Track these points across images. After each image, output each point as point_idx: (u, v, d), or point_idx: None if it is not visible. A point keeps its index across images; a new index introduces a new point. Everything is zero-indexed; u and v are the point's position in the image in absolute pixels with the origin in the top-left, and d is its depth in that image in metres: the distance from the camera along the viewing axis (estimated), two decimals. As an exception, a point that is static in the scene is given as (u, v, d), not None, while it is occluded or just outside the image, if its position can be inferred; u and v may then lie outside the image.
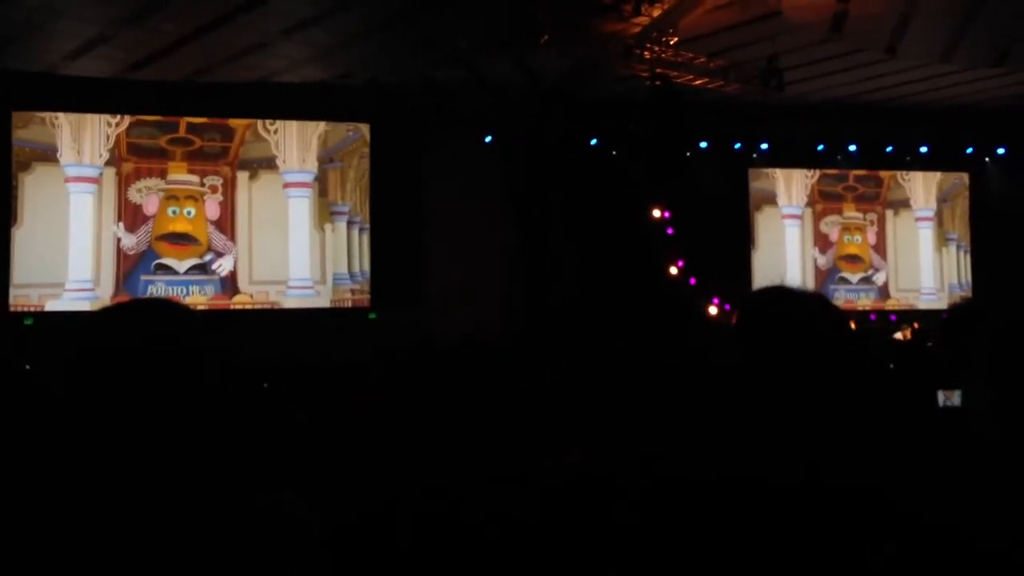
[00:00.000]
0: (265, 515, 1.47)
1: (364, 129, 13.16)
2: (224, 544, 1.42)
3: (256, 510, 1.47)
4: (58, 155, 11.99)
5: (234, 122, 12.67)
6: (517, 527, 1.70)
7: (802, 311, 1.69)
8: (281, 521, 1.49)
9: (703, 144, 14.20)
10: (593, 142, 13.94)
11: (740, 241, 14.54)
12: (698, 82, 11.10)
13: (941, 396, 2.14)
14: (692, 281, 12.86)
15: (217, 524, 1.43)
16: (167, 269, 12.29)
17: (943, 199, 15.57)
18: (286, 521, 1.49)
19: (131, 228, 12.22)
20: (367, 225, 13.06)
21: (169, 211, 12.37)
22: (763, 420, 1.62)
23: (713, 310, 12.77)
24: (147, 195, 12.31)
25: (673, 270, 12.79)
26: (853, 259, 15.22)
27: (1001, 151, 15.41)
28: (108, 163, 12.19)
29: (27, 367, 6.98)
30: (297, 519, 1.51)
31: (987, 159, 15.50)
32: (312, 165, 12.93)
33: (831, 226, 15.19)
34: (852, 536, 1.53)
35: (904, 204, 15.47)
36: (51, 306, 11.71)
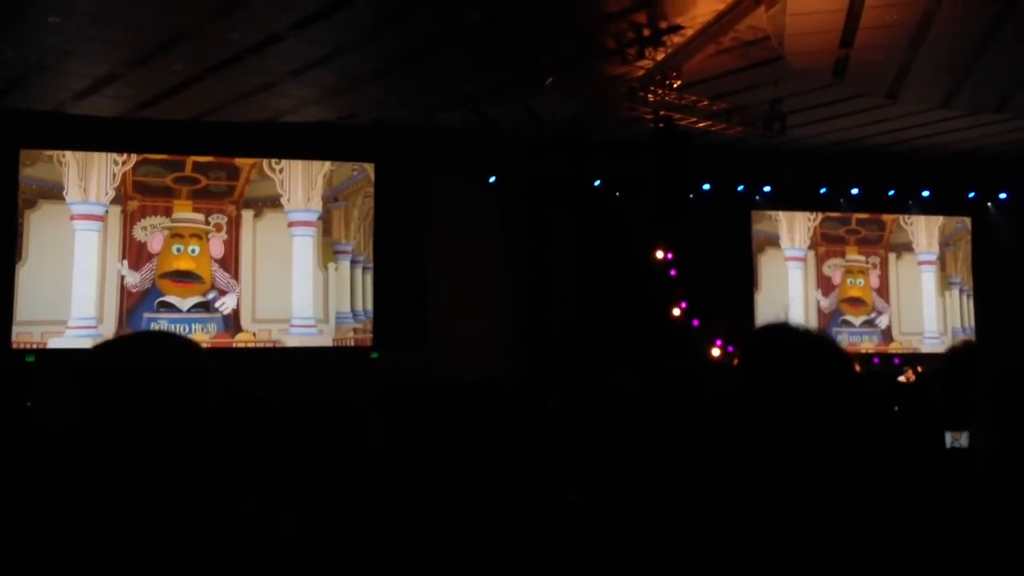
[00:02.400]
0: (255, 527, 1.48)
1: (369, 169, 13.25)
2: (215, 553, 1.43)
3: (247, 522, 1.48)
4: (64, 193, 12.06)
5: (240, 161, 12.77)
6: (518, 550, 1.69)
7: (806, 347, 1.69)
8: (271, 533, 1.49)
9: (706, 186, 14.27)
10: (596, 183, 14.02)
11: (743, 283, 14.55)
12: (701, 125, 11.18)
13: (949, 437, 2.14)
14: (695, 323, 12.85)
15: (209, 536, 1.44)
16: (170, 307, 12.31)
17: (945, 243, 15.61)
18: (276, 533, 1.49)
19: (135, 266, 12.26)
20: (370, 264, 13.09)
21: (173, 249, 12.42)
22: (767, 452, 1.62)
23: (716, 351, 12.75)
24: (152, 233, 12.37)
25: (676, 311, 12.79)
26: (856, 302, 15.22)
27: (1003, 196, 15.48)
28: (114, 201, 12.26)
29: (28, 404, 6.97)
30: (287, 532, 1.51)
31: (989, 204, 15.57)
32: (317, 204, 13.00)
33: (834, 269, 15.21)
34: (855, 567, 1.52)
35: (907, 248, 15.51)
36: (53, 343, 11.71)
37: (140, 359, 1.56)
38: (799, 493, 1.56)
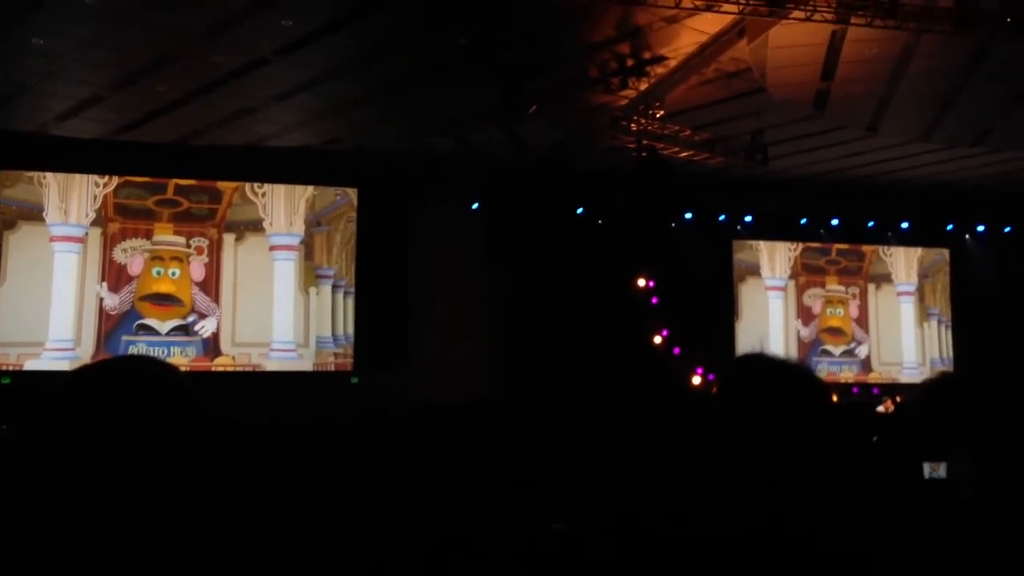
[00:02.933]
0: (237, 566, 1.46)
1: (352, 193, 13.24)
2: None
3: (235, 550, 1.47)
4: (44, 214, 11.98)
5: (222, 184, 12.73)
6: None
7: (782, 378, 1.70)
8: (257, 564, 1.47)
9: (688, 215, 14.35)
10: (579, 211, 14.07)
11: (724, 312, 14.60)
12: (684, 154, 11.26)
13: (927, 468, 2.15)
14: (676, 351, 12.87)
15: (197, 566, 1.42)
16: (149, 330, 12.21)
17: (924, 274, 15.74)
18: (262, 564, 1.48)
19: (114, 288, 12.17)
20: (352, 289, 13.06)
21: (154, 271, 12.35)
22: (746, 484, 1.62)
23: (697, 380, 12.76)
24: (132, 255, 12.29)
25: (657, 339, 12.81)
26: (836, 332, 15.29)
27: (981, 228, 15.64)
28: (94, 223, 12.19)
29: (3, 426, 6.88)
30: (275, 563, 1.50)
31: (967, 236, 15.73)
32: (299, 228, 12.97)
33: (814, 299, 15.29)
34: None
35: (886, 279, 15.62)
36: (30, 365, 11.59)
37: (120, 384, 1.55)
38: (778, 543, 1.56)
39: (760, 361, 1.75)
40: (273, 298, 12.77)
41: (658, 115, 10.50)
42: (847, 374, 15.11)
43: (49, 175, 12.06)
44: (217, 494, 1.53)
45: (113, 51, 8.94)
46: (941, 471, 2.09)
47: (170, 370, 1.64)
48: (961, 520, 1.70)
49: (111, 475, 1.45)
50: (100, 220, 12.23)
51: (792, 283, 15.24)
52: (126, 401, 1.49)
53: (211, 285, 12.58)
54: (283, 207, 12.95)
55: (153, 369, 1.59)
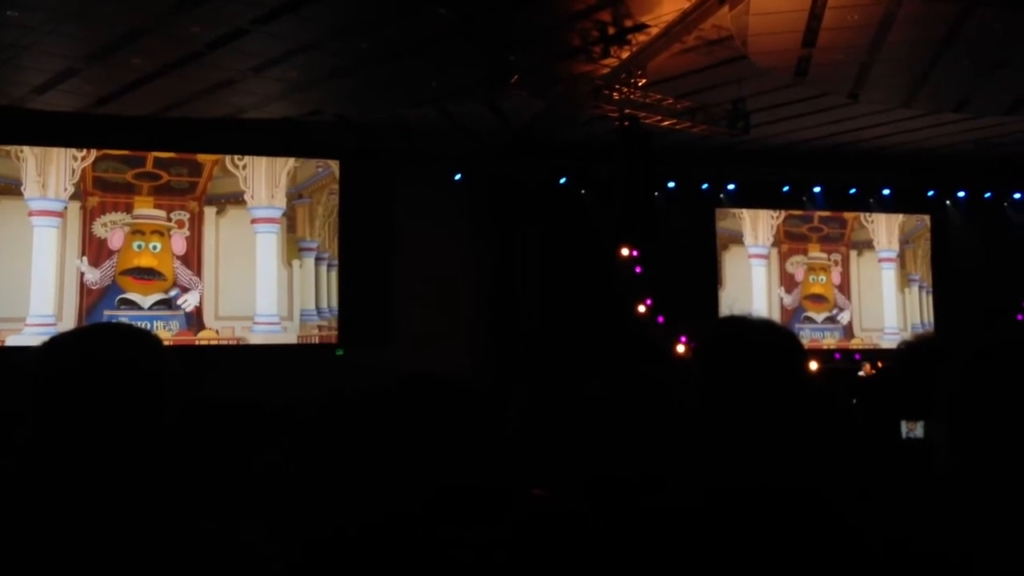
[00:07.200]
0: (220, 543, 1.45)
1: (334, 165, 13.17)
2: (176, 569, 1.40)
3: (211, 538, 1.45)
4: (22, 188, 11.87)
5: (202, 157, 12.63)
6: (489, 566, 1.69)
7: (756, 335, 1.72)
8: (236, 550, 1.46)
9: (671, 184, 14.36)
10: (562, 181, 14.05)
11: (707, 280, 14.66)
12: (666, 123, 11.24)
13: (904, 427, 2.17)
14: (660, 319, 12.91)
15: (170, 550, 1.41)
16: (131, 304, 12.16)
17: (905, 241, 15.83)
18: (241, 550, 1.47)
19: (95, 262, 12.09)
20: (335, 261, 13.02)
21: (134, 245, 12.27)
22: (724, 444, 1.64)
23: (681, 348, 12.81)
24: (112, 229, 12.20)
25: (641, 308, 12.84)
26: (818, 299, 15.39)
27: (961, 194, 15.73)
28: (73, 197, 12.08)
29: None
30: (253, 549, 1.49)
31: (948, 202, 15.81)
32: (281, 201, 12.90)
33: (796, 266, 15.37)
34: (819, 567, 1.54)
35: (867, 245, 15.71)
36: (11, 341, 11.52)
37: (96, 356, 1.52)
38: (762, 503, 1.57)
39: (738, 321, 1.76)
40: (256, 271, 12.73)
41: (640, 84, 10.47)
42: (829, 340, 15.23)
43: (26, 149, 11.92)
44: (194, 468, 1.52)
45: (87, 23, 8.81)
46: (918, 430, 2.12)
47: (151, 342, 1.61)
48: (938, 479, 1.72)
49: (83, 448, 1.43)
50: (79, 194, 12.12)
51: (775, 251, 15.31)
52: (99, 372, 1.47)
53: (193, 259, 12.51)
54: (264, 180, 12.87)
55: (129, 337, 1.57)
